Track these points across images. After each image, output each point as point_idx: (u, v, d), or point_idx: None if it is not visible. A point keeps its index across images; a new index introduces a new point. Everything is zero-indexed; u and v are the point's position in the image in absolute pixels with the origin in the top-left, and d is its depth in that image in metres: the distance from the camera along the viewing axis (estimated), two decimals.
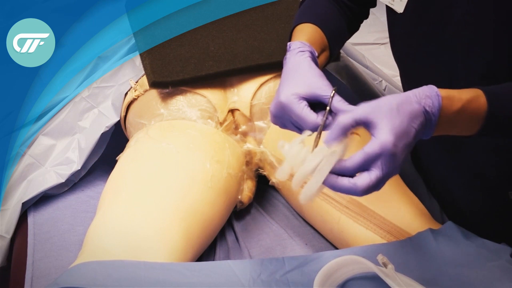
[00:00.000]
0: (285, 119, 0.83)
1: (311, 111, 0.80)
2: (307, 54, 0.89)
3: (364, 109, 0.73)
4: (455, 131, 0.79)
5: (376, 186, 0.72)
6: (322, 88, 0.81)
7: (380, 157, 0.71)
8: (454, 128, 0.78)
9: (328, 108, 0.79)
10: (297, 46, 0.90)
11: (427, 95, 0.75)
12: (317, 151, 0.75)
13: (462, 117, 0.77)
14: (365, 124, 0.73)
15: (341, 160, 0.73)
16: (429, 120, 0.75)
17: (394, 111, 0.72)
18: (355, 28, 1.12)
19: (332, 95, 0.80)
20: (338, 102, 0.79)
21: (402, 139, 0.72)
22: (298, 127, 0.82)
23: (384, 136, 0.71)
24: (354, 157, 0.72)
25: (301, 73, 0.85)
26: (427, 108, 0.74)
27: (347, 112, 0.74)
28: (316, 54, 0.92)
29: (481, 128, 0.78)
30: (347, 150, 0.74)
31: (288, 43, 0.93)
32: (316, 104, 0.82)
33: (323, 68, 1.02)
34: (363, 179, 0.71)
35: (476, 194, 1.03)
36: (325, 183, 0.73)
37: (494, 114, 0.77)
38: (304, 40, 0.93)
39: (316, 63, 0.89)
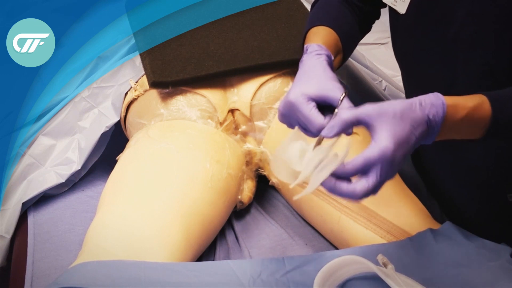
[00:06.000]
0: (292, 118, 0.83)
1: (319, 113, 0.79)
2: (324, 57, 0.89)
3: (367, 110, 0.73)
4: (458, 136, 0.79)
5: (373, 191, 0.73)
6: (333, 90, 0.81)
7: (378, 163, 0.71)
8: (457, 134, 0.79)
9: (336, 110, 0.78)
10: (314, 49, 0.91)
11: (432, 103, 0.74)
12: (320, 148, 0.75)
13: (466, 124, 0.77)
14: (367, 125, 0.73)
15: (342, 164, 0.73)
16: (431, 128, 0.75)
17: (397, 117, 0.72)
18: (367, 29, 1.12)
19: (342, 98, 0.79)
20: (347, 105, 0.78)
21: (402, 146, 0.72)
22: (305, 128, 0.81)
23: (384, 142, 0.71)
24: (354, 161, 0.72)
25: (314, 75, 0.85)
26: (431, 117, 0.74)
27: (349, 109, 0.74)
28: (333, 58, 0.92)
29: (485, 134, 0.78)
30: (348, 153, 0.74)
31: (305, 45, 0.93)
32: (326, 108, 0.81)
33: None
34: (362, 184, 0.72)
35: (476, 196, 1.03)
36: (324, 185, 0.73)
37: (498, 120, 0.77)
38: (320, 43, 0.93)
39: (332, 67, 0.89)
